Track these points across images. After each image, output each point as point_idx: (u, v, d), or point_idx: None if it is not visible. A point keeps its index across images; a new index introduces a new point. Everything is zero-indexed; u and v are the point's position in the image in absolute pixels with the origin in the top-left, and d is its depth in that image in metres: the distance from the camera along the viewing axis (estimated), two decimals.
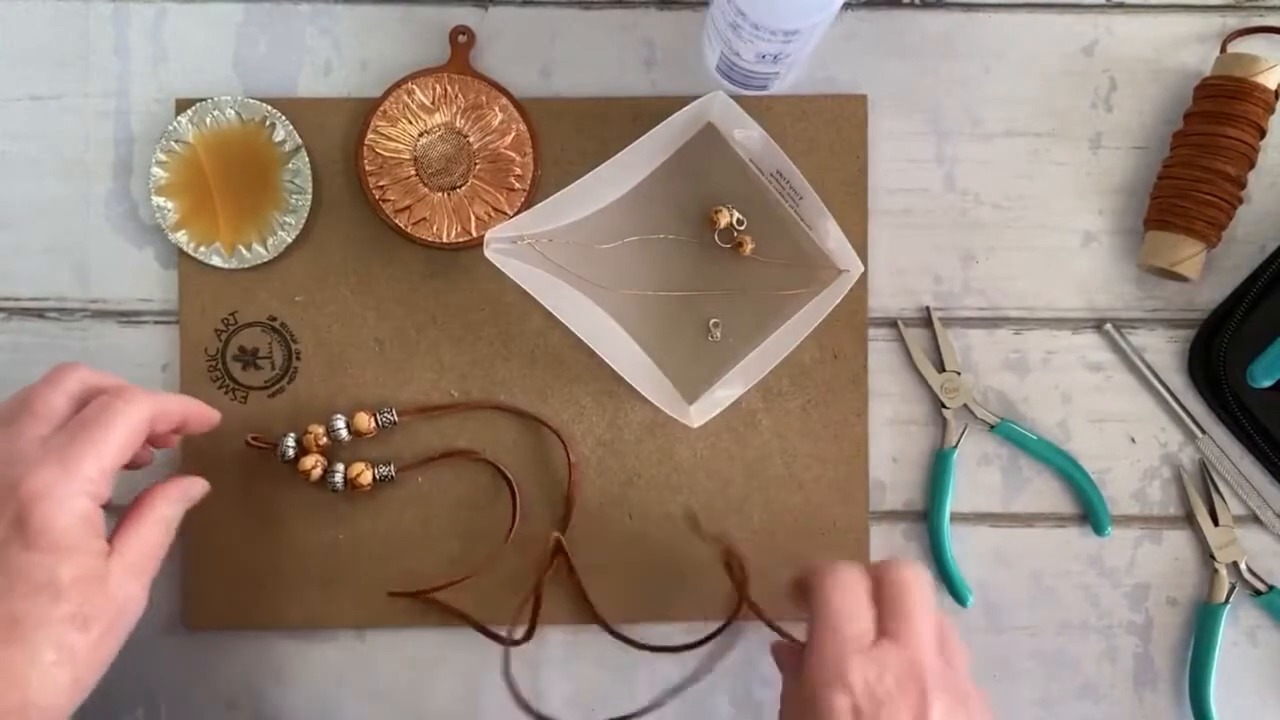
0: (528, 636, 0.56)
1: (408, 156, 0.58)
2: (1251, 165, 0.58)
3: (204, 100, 0.58)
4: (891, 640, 0.43)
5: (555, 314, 0.55)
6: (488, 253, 0.54)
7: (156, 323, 0.59)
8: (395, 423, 0.58)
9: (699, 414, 0.57)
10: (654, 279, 0.59)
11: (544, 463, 0.59)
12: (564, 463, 0.59)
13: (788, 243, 0.59)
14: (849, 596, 0.45)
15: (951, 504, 0.59)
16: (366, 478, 0.57)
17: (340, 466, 0.57)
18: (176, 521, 0.48)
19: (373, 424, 0.57)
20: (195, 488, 0.49)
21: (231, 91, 0.59)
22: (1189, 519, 0.60)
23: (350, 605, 0.59)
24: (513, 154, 0.58)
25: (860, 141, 0.60)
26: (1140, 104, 0.60)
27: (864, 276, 0.58)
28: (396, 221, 0.58)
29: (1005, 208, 0.60)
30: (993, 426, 0.59)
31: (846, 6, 0.60)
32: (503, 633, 0.56)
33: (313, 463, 0.57)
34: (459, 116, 0.58)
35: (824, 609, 0.45)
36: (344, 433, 0.57)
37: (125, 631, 0.45)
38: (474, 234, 0.58)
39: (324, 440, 0.57)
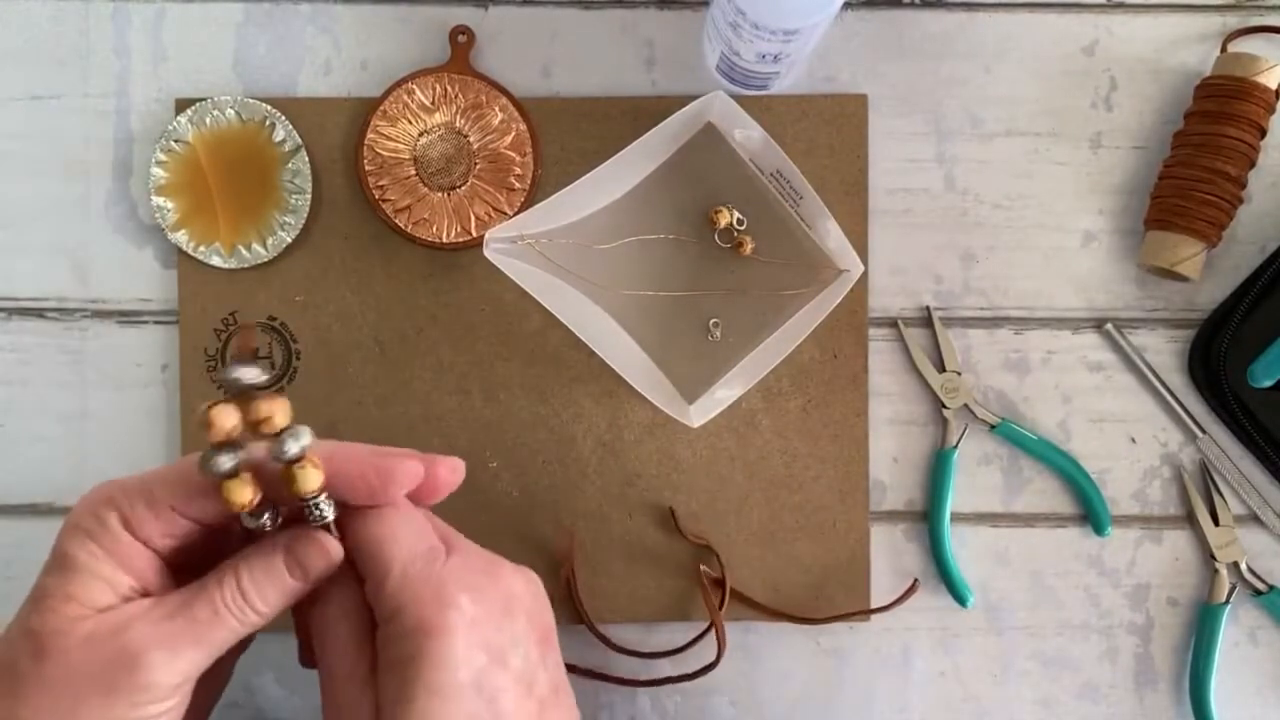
0: None
1: (408, 156, 0.58)
2: (1252, 165, 0.58)
3: (204, 100, 0.58)
4: (455, 551, 0.40)
5: (555, 314, 0.55)
6: (488, 253, 0.54)
7: (156, 323, 0.59)
8: (324, 520, 0.38)
9: (699, 414, 0.57)
10: (654, 279, 0.59)
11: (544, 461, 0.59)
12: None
13: (788, 243, 0.59)
14: (412, 519, 0.40)
15: (952, 504, 0.59)
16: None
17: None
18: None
19: (317, 483, 0.36)
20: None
21: (231, 91, 0.59)
22: (1189, 519, 0.60)
23: None
24: (513, 154, 0.58)
25: (860, 141, 0.60)
26: (1140, 104, 0.60)
27: (864, 276, 0.58)
28: (396, 221, 0.58)
29: (1005, 208, 0.60)
30: (993, 426, 0.59)
31: (846, 6, 0.60)
32: None
33: (251, 496, 0.36)
34: (459, 116, 0.58)
35: (391, 539, 0.39)
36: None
37: None
38: (474, 234, 0.58)
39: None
